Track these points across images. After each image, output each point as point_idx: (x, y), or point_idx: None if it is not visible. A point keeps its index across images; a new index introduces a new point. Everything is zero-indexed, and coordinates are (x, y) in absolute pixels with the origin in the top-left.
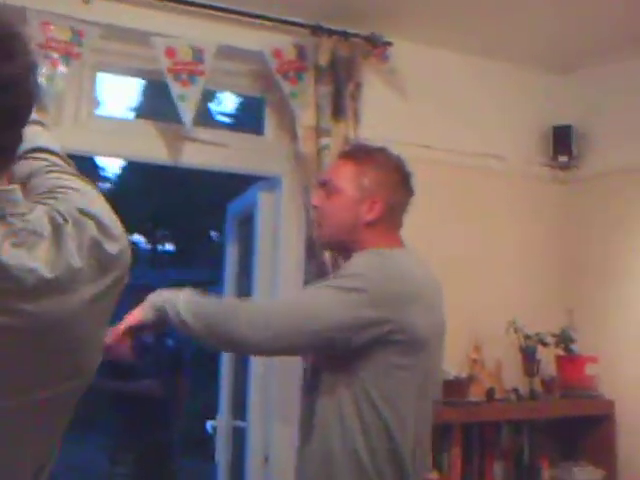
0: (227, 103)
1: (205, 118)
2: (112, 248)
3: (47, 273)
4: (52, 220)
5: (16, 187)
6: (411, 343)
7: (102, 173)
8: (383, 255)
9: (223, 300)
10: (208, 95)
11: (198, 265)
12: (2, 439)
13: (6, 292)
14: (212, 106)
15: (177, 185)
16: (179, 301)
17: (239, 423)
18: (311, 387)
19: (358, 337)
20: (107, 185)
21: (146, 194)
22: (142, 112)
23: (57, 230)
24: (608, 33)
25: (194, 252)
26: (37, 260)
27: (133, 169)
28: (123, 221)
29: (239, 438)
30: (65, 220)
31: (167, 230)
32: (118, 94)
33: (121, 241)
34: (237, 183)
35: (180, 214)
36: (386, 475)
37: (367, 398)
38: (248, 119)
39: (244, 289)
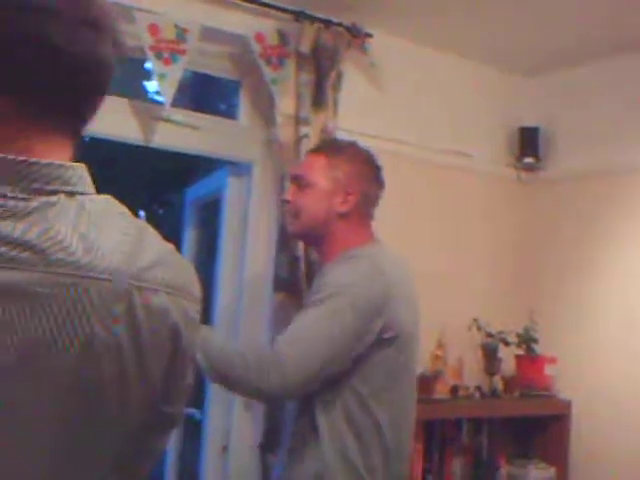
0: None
1: (140, 96)
2: None
3: None
4: None
5: (83, 166)
6: (398, 339)
7: None
8: (358, 257)
9: (235, 351)
10: (145, 73)
11: None
12: None
13: None
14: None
15: (107, 161)
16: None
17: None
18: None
19: (362, 346)
20: None
21: None
22: None
23: None
24: (577, 37)
25: None
26: None
27: None
28: None
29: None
30: None
31: None
32: None
33: None
34: (180, 165)
35: (104, 192)
36: (377, 472)
37: (357, 399)
38: (182, 98)
39: (204, 276)
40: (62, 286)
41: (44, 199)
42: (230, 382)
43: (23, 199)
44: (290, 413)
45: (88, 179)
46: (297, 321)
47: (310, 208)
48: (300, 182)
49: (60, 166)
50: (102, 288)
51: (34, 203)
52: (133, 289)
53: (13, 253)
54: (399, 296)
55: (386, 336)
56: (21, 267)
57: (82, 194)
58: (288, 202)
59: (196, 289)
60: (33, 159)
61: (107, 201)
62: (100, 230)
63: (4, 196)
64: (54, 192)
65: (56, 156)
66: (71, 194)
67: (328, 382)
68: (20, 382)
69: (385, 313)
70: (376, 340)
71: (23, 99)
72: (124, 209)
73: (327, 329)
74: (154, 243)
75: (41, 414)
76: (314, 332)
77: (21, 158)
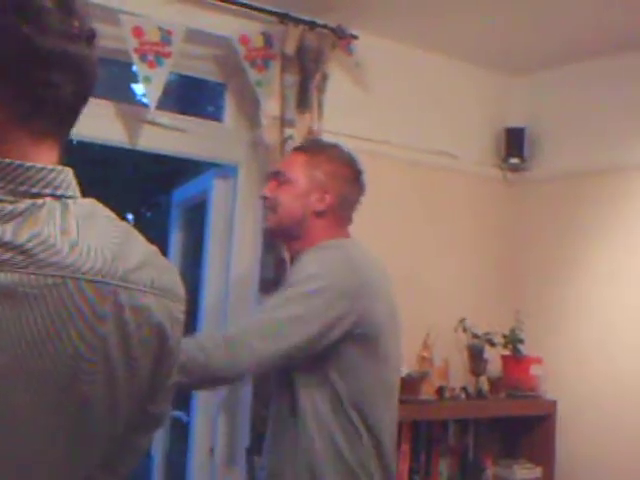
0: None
1: (128, 99)
2: None
3: None
4: None
5: (70, 169)
6: (372, 334)
7: None
8: (331, 248)
9: (191, 343)
10: (132, 76)
11: None
12: None
13: None
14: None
15: (95, 164)
16: None
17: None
18: (279, 385)
19: (332, 336)
20: None
21: None
22: None
23: None
24: (563, 38)
25: None
26: None
27: None
28: None
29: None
30: None
31: None
32: None
33: None
34: (168, 167)
35: (92, 194)
36: (370, 469)
37: (340, 397)
38: (169, 101)
39: (190, 278)
40: (50, 287)
41: (31, 202)
42: (196, 370)
43: (11, 202)
44: (273, 411)
45: (74, 182)
46: (263, 304)
47: (287, 204)
48: (279, 178)
49: (51, 170)
50: (89, 289)
51: (22, 205)
52: (120, 290)
53: (2, 255)
54: (378, 296)
55: (357, 331)
56: (11, 269)
57: (68, 197)
58: (266, 197)
59: (180, 290)
60: (28, 163)
61: (92, 204)
62: (86, 232)
63: None
64: (41, 195)
65: (45, 159)
66: (58, 197)
67: (309, 381)
68: (14, 382)
69: (358, 307)
70: (347, 333)
71: (13, 101)
72: (109, 212)
73: (293, 309)
74: (139, 245)
75: (35, 413)
76: (279, 311)
77: (17, 162)
